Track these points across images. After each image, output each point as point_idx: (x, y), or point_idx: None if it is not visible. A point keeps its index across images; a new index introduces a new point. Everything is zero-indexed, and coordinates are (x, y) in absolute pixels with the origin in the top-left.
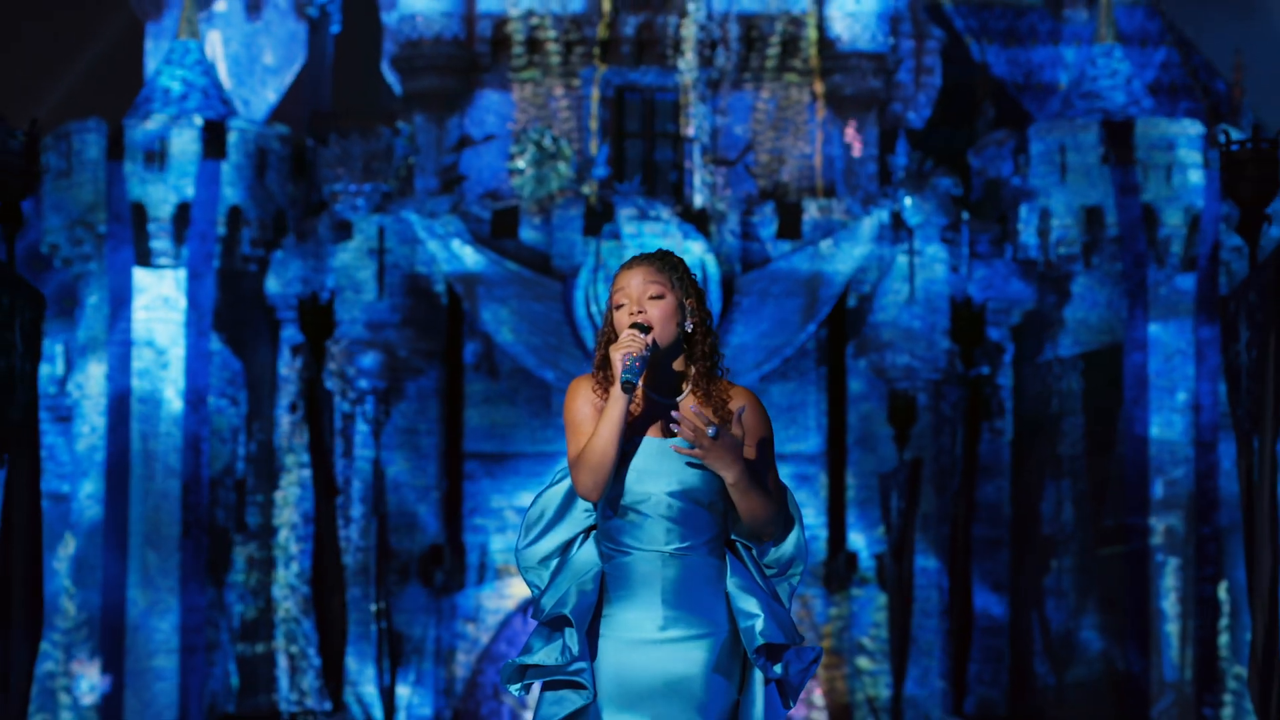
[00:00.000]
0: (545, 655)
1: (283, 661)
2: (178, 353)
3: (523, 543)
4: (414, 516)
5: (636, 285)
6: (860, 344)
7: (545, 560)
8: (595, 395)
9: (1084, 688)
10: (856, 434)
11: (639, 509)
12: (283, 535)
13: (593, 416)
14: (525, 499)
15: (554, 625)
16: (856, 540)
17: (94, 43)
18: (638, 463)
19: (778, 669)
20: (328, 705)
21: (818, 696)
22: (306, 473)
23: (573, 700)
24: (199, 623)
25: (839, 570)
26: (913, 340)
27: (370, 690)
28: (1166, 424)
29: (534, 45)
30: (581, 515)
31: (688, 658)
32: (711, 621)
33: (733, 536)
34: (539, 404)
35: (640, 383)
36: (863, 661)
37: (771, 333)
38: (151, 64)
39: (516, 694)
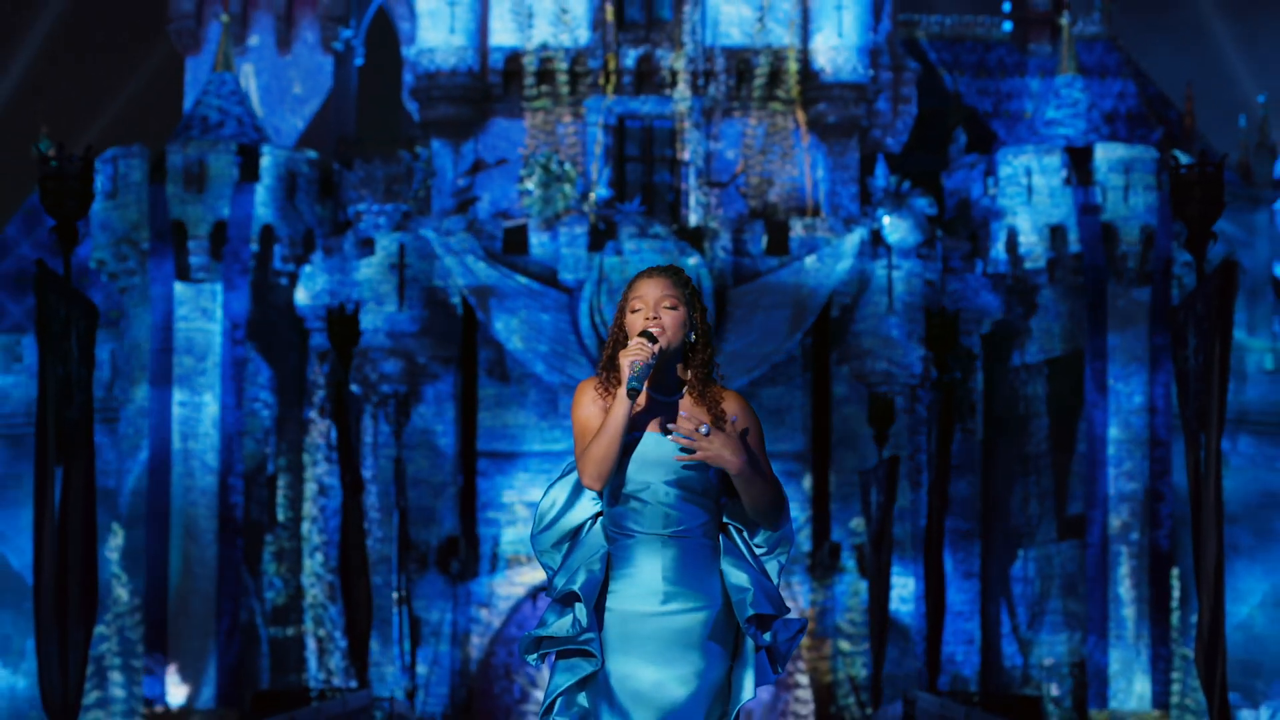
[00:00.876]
0: (558, 628)
1: (311, 644)
2: (214, 360)
3: (537, 530)
4: (432, 510)
5: (654, 294)
6: (843, 351)
7: (557, 545)
8: (599, 396)
9: (1048, 668)
10: (839, 434)
11: (640, 497)
12: (310, 528)
13: (598, 415)
14: (535, 494)
15: (565, 601)
16: (839, 532)
17: (137, 74)
18: (639, 455)
19: (766, 637)
20: (353, 683)
21: (802, 675)
22: (333, 469)
23: (583, 667)
24: (234, 608)
25: (823, 559)
26: (891, 348)
27: (392, 670)
28: (1124, 425)
29: (542, 77)
30: (589, 504)
31: (686, 628)
32: (707, 596)
33: (725, 520)
34: (547, 406)
35: (644, 387)
36: (844, 644)
37: (761, 341)
38: (190, 94)
39: (534, 663)
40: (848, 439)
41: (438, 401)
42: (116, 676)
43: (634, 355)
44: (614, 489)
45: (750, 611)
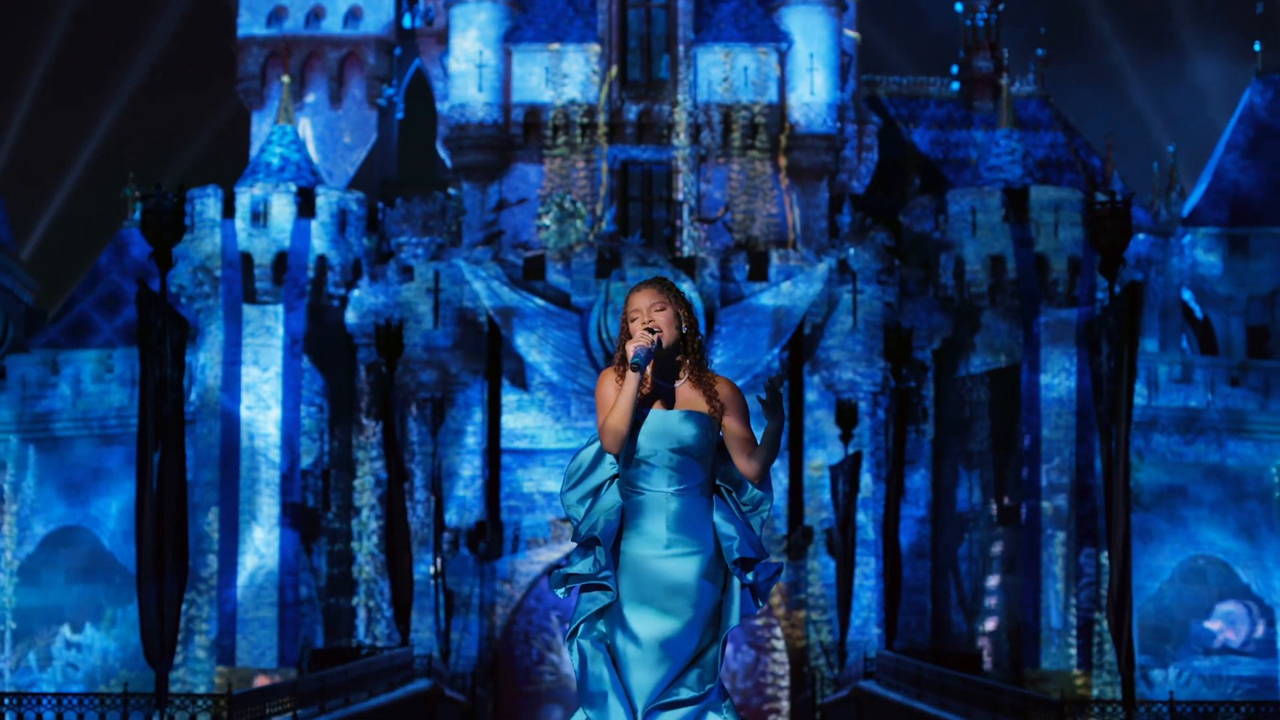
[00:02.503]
0: (582, 566)
1: (362, 613)
2: (276, 370)
3: (565, 488)
4: (463, 499)
5: (645, 302)
6: (814, 363)
7: (582, 500)
8: (616, 380)
9: (989, 634)
10: (811, 434)
11: (649, 461)
12: (363, 514)
13: (613, 394)
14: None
15: (588, 545)
16: (811, 518)
17: (210, 126)
18: (647, 428)
19: (749, 576)
20: (397, 644)
21: (779, 641)
22: (379, 464)
23: (601, 599)
24: (294, 582)
25: (798, 541)
26: (855, 360)
27: (429, 634)
28: (1054, 426)
29: (557, 129)
30: (607, 467)
31: (685, 568)
32: (701, 542)
33: (717, 482)
34: (560, 410)
35: (648, 370)
36: (814, 614)
37: (744, 354)
38: (256, 143)
39: (561, 595)
40: (818, 438)
41: (467, 406)
42: (199, 639)
43: (636, 342)
44: (628, 455)
45: (736, 555)
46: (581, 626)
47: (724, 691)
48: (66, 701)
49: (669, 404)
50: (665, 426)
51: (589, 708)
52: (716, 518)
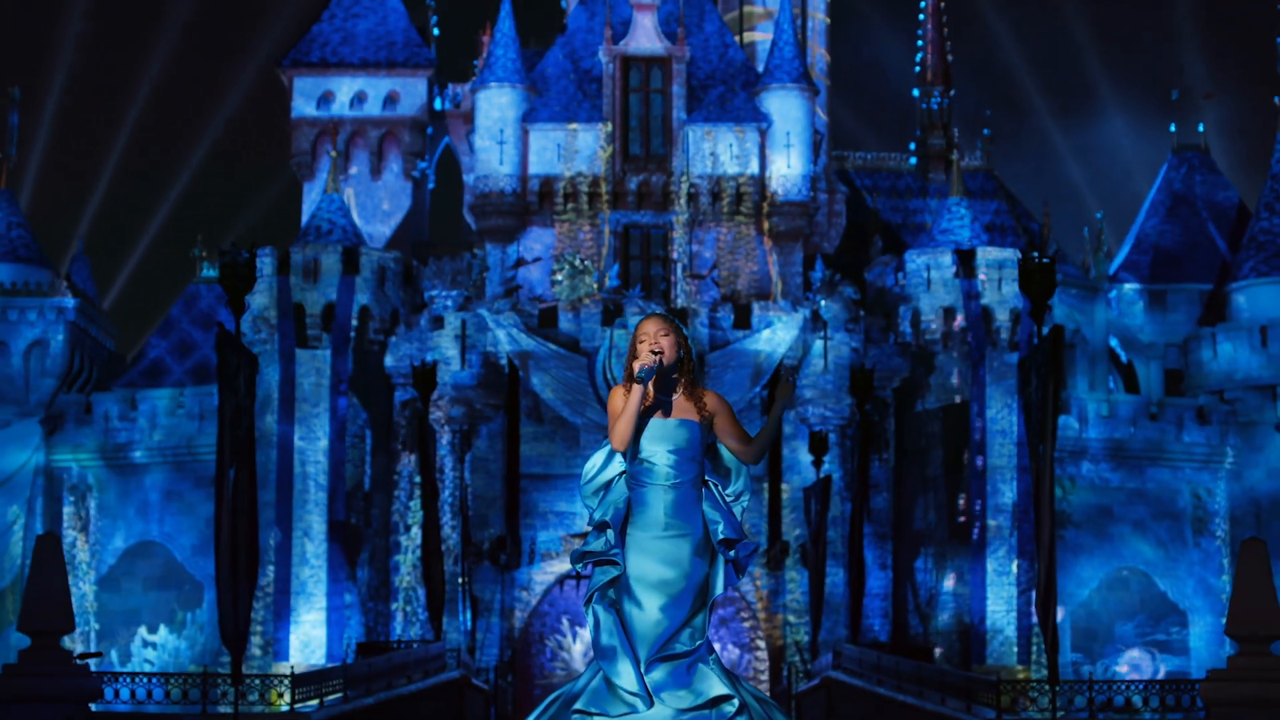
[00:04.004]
0: (596, 545)
1: (399, 616)
2: (324, 406)
3: (583, 482)
4: (486, 517)
5: (653, 328)
6: (790, 400)
7: (596, 492)
8: (626, 394)
9: (942, 635)
10: (787, 461)
11: (650, 460)
12: (400, 530)
13: (622, 405)
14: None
15: (601, 529)
16: (788, 533)
17: (266, 195)
18: (649, 432)
19: (731, 554)
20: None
21: (761, 641)
22: (413, 488)
23: (611, 571)
24: (340, 589)
25: (776, 554)
26: (826, 397)
27: (457, 635)
28: (998, 455)
29: (568, 196)
30: (616, 465)
31: (679, 546)
32: (692, 525)
33: (706, 476)
34: (571, 441)
35: (650, 384)
36: (791, 617)
37: (729, 392)
38: (307, 210)
39: (580, 569)
40: (794, 465)
41: (490, 437)
42: (256, 639)
43: (642, 360)
44: (633, 454)
45: (721, 536)
46: (596, 594)
47: (710, 647)
48: (158, 680)
49: (667, 413)
50: (664, 431)
51: (602, 659)
52: (705, 506)
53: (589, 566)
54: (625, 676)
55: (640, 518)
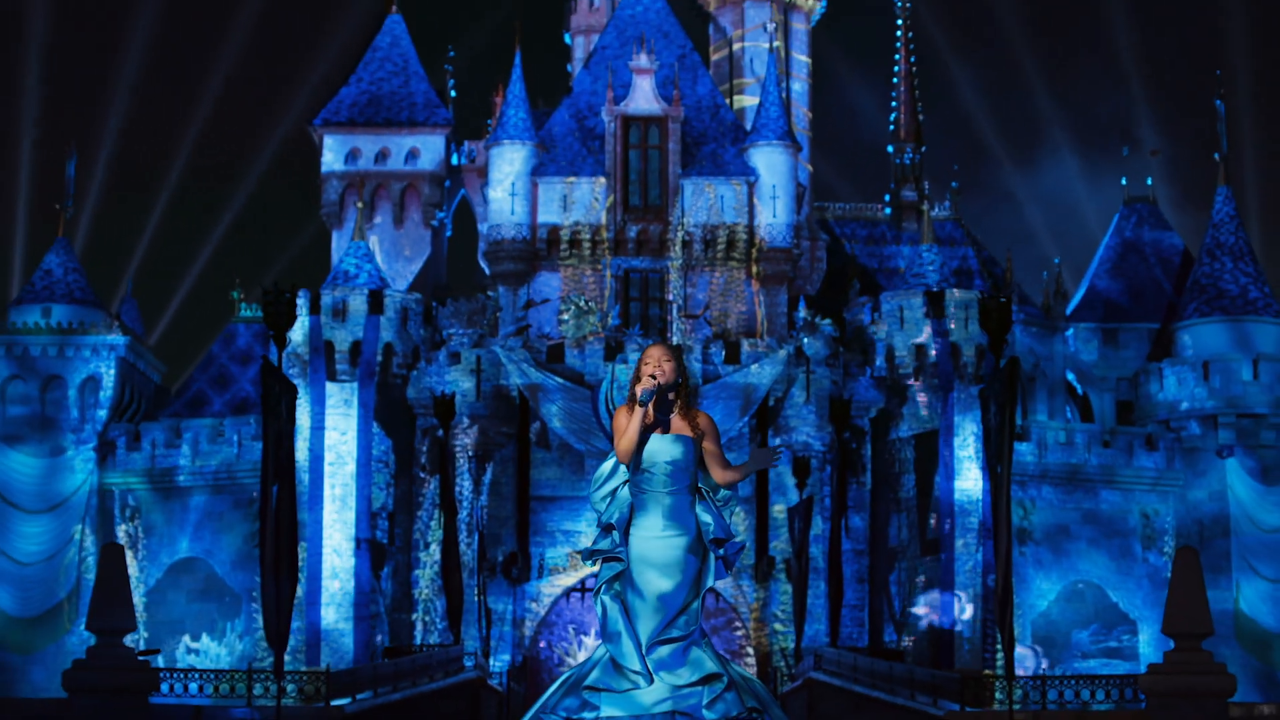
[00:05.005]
0: (603, 544)
1: (419, 625)
2: (352, 434)
3: (593, 490)
4: (499, 535)
5: (656, 354)
6: (776, 428)
7: (603, 498)
8: (627, 413)
9: (914, 642)
10: (773, 483)
11: (650, 471)
12: (421, 547)
13: (626, 423)
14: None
15: (607, 530)
16: (774, 549)
17: (298, 242)
18: (650, 447)
19: (721, 551)
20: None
21: (750, 647)
22: (432, 508)
23: (617, 567)
24: (366, 600)
25: (764, 568)
26: (808, 426)
27: (473, 642)
28: (964, 479)
29: (573, 244)
30: (621, 474)
31: (676, 545)
32: (687, 527)
33: (699, 485)
34: (576, 466)
35: (651, 405)
36: (778, 625)
37: (721, 422)
38: (336, 255)
39: (590, 564)
40: (779, 487)
41: (503, 462)
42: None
43: (643, 384)
44: (636, 465)
45: (712, 535)
46: (604, 586)
47: (703, 632)
48: (209, 676)
49: (665, 430)
50: (662, 446)
51: (608, 642)
52: (699, 509)
53: (597, 562)
54: (629, 657)
55: (642, 520)
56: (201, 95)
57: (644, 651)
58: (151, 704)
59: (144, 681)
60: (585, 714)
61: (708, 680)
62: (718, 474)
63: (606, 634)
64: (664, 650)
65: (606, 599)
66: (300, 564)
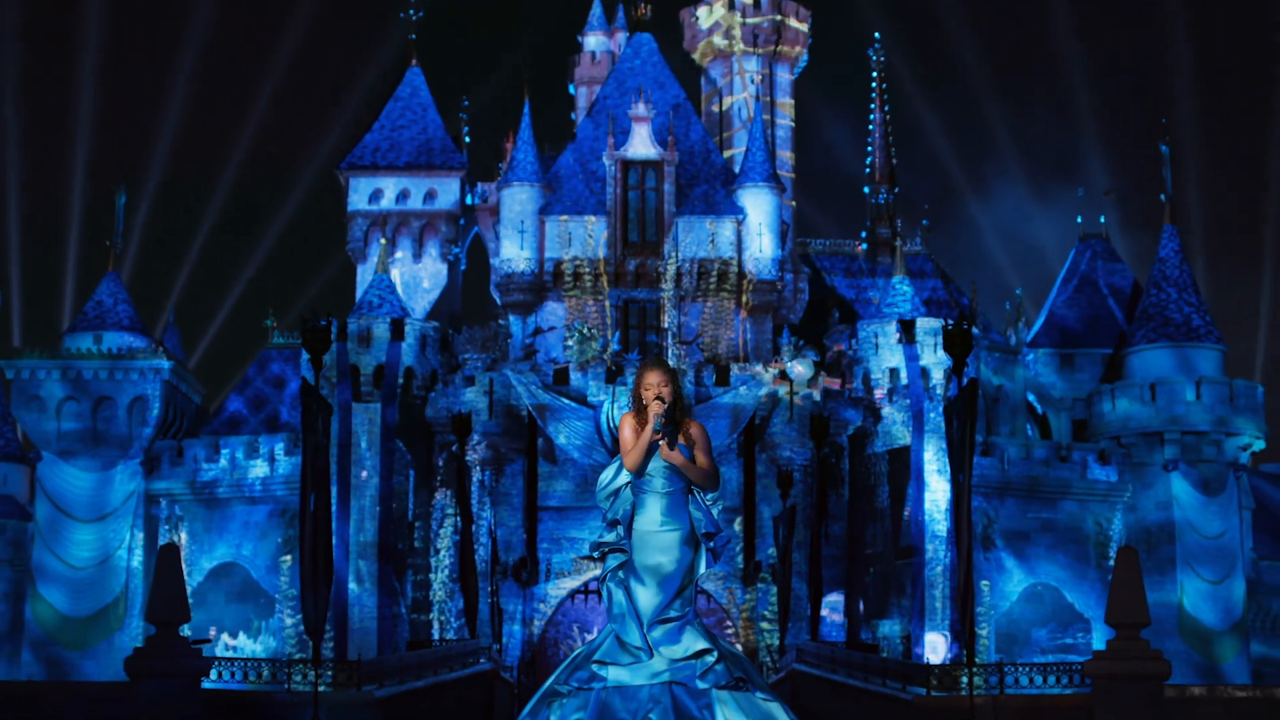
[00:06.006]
0: (609, 537)
1: (436, 625)
2: (375, 450)
3: (599, 489)
4: (510, 541)
5: (655, 380)
6: (762, 444)
7: (608, 497)
8: (634, 423)
9: (888, 640)
10: (760, 494)
11: (650, 474)
12: (438, 553)
13: (632, 435)
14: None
15: (613, 525)
16: (760, 554)
17: (325, 275)
18: (650, 457)
19: (711, 543)
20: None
21: (738, 645)
22: (451, 518)
23: (621, 557)
24: (389, 601)
25: (751, 572)
26: (791, 442)
27: (487, 639)
28: (933, 491)
29: (577, 276)
30: (624, 476)
31: (672, 538)
32: (682, 522)
33: (691, 486)
34: (580, 479)
35: (663, 429)
36: (764, 624)
37: (712, 438)
38: (360, 287)
39: (596, 555)
40: (765, 497)
41: (513, 475)
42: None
43: (655, 412)
44: (639, 470)
45: (703, 530)
46: (609, 574)
47: (695, 613)
48: (253, 663)
49: (670, 445)
50: (660, 454)
51: (614, 623)
52: (691, 507)
53: (603, 552)
54: (632, 635)
55: (642, 516)
56: (238, 140)
57: (645, 630)
58: (203, 689)
59: (197, 668)
60: (594, 684)
61: (700, 654)
62: (699, 479)
63: (612, 615)
64: (662, 629)
65: (612, 585)
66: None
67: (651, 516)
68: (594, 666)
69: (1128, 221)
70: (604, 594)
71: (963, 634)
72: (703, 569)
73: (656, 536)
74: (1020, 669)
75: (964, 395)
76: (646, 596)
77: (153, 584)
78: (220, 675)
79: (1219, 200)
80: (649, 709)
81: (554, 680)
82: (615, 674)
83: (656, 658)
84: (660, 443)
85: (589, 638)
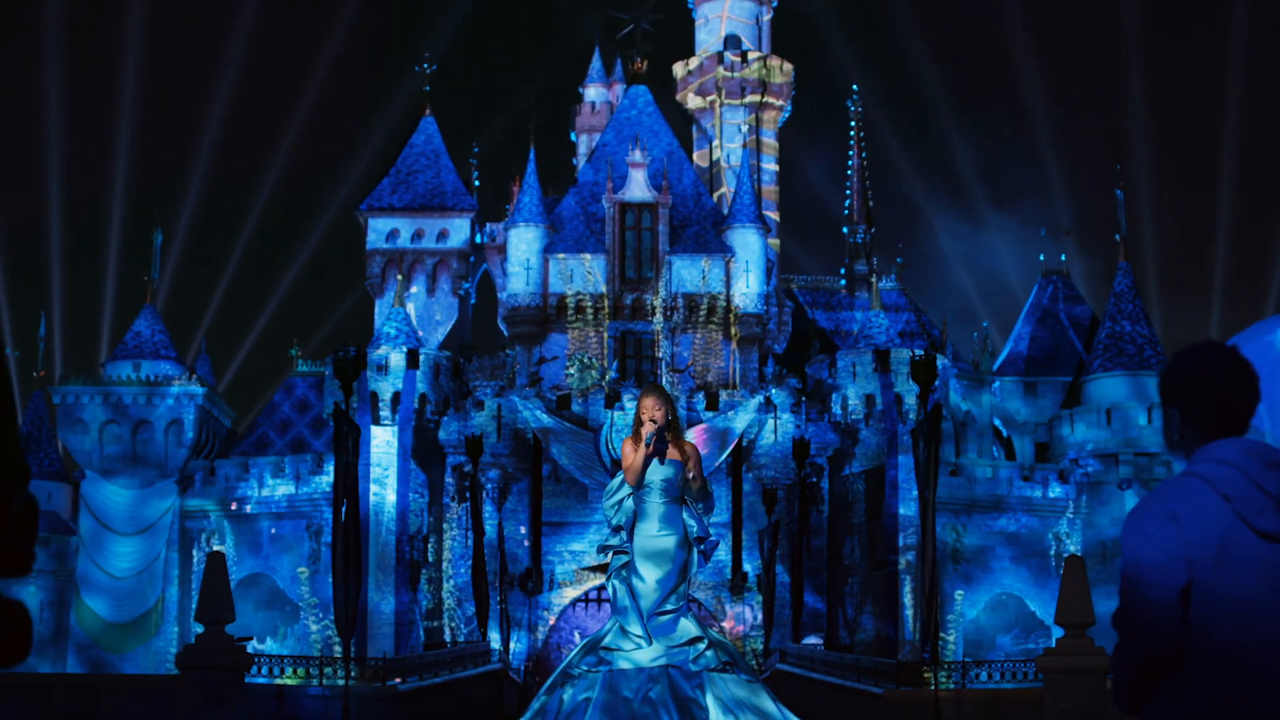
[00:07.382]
0: (613, 541)
1: (447, 631)
2: (393, 469)
3: (604, 498)
4: (517, 554)
5: (651, 404)
6: (748, 465)
7: (612, 506)
8: (634, 446)
9: (865, 645)
10: (747, 510)
11: (649, 485)
12: (449, 566)
13: (632, 454)
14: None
15: (616, 530)
16: (747, 566)
17: (344, 307)
18: (650, 469)
19: (703, 546)
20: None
21: (725, 637)
22: (460, 533)
23: (624, 558)
24: (405, 610)
25: (738, 583)
26: (775, 462)
27: (496, 642)
28: (907, 507)
29: (578, 310)
30: (626, 488)
31: (668, 541)
32: (677, 528)
33: (685, 497)
34: (581, 497)
35: (654, 443)
36: (750, 631)
37: (702, 461)
38: (378, 320)
39: (602, 558)
40: (752, 513)
41: (519, 494)
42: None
43: (648, 429)
44: (639, 482)
45: (695, 534)
46: (614, 573)
47: (689, 607)
48: (289, 660)
49: (662, 459)
50: (657, 468)
51: (618, 615)
52: (685, 515)
53: (610, 554)
54: (634, 625)
55: (642, 522)
56: (265, 182)
57: (646, 620)
58: (246, 682)
59: (241, 662)
60: (602, 667)
61: (693, 642)
62: (693, 487)
63: (616, 608)
64: (660, 620)
65: (616, 582)
66: None
67: (651, 523)
68: (601, 652)
69: (1087, 252)
70: (609, 589)
71: (929, 635)
72: (695, 568)
73: (655, 540)
74: (981, 666)
75: (929, 419)
76: (646, 592)
77: (202, 587)
78: (261, 670)
79: (1170, 237)
80: (650, 687)
81: (567, 663)
82: (620, 660)
83: (655, 644)
84: (654, 457)
85: None
